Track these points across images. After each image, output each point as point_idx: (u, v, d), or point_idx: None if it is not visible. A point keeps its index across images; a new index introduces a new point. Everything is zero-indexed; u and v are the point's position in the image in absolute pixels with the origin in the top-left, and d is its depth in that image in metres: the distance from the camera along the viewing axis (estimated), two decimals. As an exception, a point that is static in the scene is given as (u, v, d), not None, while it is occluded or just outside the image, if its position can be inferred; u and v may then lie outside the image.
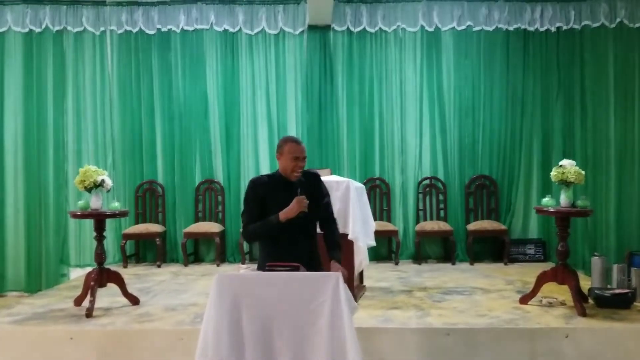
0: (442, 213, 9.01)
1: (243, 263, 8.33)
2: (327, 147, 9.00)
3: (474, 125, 9.05)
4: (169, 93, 9.08)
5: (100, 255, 6.01)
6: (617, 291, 5.92)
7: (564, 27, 8.94)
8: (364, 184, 8.00)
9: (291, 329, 3.52)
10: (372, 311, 5.69)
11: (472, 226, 8.69)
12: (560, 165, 5.74)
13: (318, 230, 4.23)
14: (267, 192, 4.03)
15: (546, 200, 5.92)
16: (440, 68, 9.08)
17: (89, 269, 6.85)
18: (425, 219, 8.97)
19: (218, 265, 8.61)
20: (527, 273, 7.52)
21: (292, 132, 8.92)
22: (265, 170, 8.88)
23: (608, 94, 8.81)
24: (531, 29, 8.98)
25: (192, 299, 6.37)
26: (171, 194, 9.09)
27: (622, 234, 8.64)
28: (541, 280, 5.89)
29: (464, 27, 9.03)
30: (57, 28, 9.02)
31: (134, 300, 6.17)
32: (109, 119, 9.08)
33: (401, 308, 5.85)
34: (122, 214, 6.32)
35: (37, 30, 8.99)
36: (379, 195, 9.02)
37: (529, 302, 5.91)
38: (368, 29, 9.04)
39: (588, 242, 8.61)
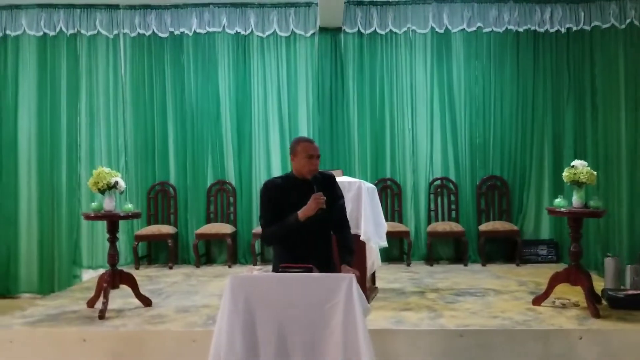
0: (453, 214, 9.01)
1: (255, 264, 8.36)
2: (338, 148, 9.02)
3: (484, 126, 9.05)
4: (181, 95, 9.13)
5: (113, 257, 6.03)
6: (630, 292, 5.90)
7: (574, 28, 8.92)
8: (375, 184, 7.99)
9: (304, 330, 3.53)
10: (384, 312, 5.68)
11: (484, 227, 8.68)
12: (572, 166, 5.71)
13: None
14: (281, 193, 4.05)
15: (558, 201, 5.90)
16: (450, 69, 9.09)
17: (101, 270, 6.89)
18: (436, 220, 8.97)
19: (230, 267, 8.63)
20: (539, 274, 7.50)
21: (304, 133, 8.92)
22: (276, 170, 8.93)
23: (619, 94, 8.76)
24: (541, 30, 8.96)
25: (204, 301, 6.39)
26: (183, 195, 9.12)
27: (635, 234, 8.57)
28: (554, 281, 5.87)
29: (474, 28, 9.03)
30: (71, 31, 9.08)
31: (147, 302, 6.19)
32: (122, 121, 9.14)
33: (414, 309, 5.84)
34: (135, 216, 6.34)
35: (51, 33, 9.06)
36: (390, 195, 9.02)
37: (542, 304, 5.89)
38: (378, 30, 9.05)
39: (600, 243, 8.56)
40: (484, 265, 8.48)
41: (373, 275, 6.60)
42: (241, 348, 3.48)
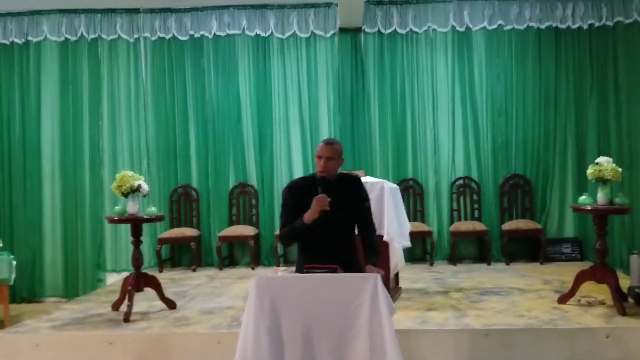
0: (476, 213, 8.97)
1: (278, 266, 8.36)
2: (359, 149, 9.02)
3: (507, 125, 9.00)
4: (202, 98, 9.17)
5: (137, 260, 6.06)
6: (657, 290, 5.84)
7: (596, 24, 8.84)
8: (398, 184, 7.97)
9: (330, 330, 3.51)
10: (409, 313, 5.66)
11: (507, 226, 8.63)
12: (597, 163, 5.67)
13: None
14: (302, 194, 4.03)
15: (583, 198, 5.84)
16: (472, 68, 9.05)
17: (125, 274, 6.95)
18: (459, 219, 8.93)
19: (253, 269, 8.64)
20: (563, 272, 7.45)
21: (325, 134, 8.93)
22: (298, 171, 8.96)
23: (643, 89, 8.68)
24: (563, 26, 8.89)
25: (228, 302, 6.41)
26: (205, 198, 9.16)
27: (661, 231, 8.50)
28: (579, 279, 5.82)
29: (495, 26, 8.98)
30: (92, 36, 9.16)
31: (171, 305, 6.22)
32: (144, 124, 9.20)
33: (438, 309, 5.82)
34: (159, 219, 6.36)
35: (73, 38, 9.15)
36: (413, 195, 9.00)
37: (568, 302, 5.84)
38: (399, 30, 9.03)
39: (626, 240, 8.44)
40: (507, 264, 8.43)
41: (396, 275, 6.58)
42: (267, 349, 3.46)
